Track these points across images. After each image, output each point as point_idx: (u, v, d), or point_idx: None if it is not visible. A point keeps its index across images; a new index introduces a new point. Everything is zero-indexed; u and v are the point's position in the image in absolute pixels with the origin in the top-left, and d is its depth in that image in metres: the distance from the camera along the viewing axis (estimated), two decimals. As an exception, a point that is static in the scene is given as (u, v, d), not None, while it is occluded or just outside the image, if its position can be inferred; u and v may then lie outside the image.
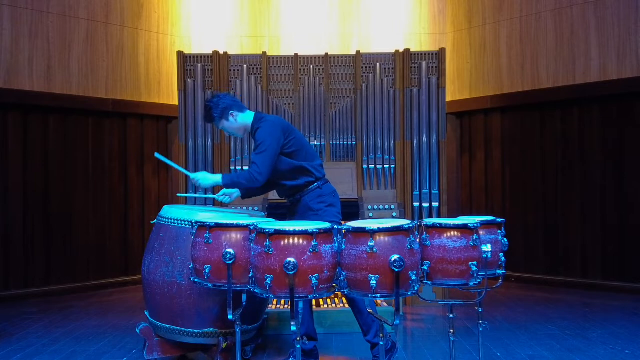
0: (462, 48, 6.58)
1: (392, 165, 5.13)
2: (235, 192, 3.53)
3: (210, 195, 3.85)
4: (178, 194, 4.08)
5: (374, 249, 2.34)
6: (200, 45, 6.48)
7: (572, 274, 5.85)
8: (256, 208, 4.95)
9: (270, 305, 4.23)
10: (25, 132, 5.61)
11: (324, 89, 5.22)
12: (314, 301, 3.93)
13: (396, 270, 2.31)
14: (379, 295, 2.36)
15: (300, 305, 2.60)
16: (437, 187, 5.11)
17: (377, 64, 5.22)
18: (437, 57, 5.24)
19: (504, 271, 2.90)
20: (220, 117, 3.37)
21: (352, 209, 4.78)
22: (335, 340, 4.06)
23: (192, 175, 3.38)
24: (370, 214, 4.85)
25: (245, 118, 3.41)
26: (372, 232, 2.36)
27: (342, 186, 4.86)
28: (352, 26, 6.53)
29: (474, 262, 2.55)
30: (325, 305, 4.34)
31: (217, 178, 3.29)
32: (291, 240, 2.39)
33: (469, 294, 4.32)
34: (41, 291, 5.61)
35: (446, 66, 5.30)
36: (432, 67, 5.23)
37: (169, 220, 3.28)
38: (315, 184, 3.36)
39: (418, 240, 2.52)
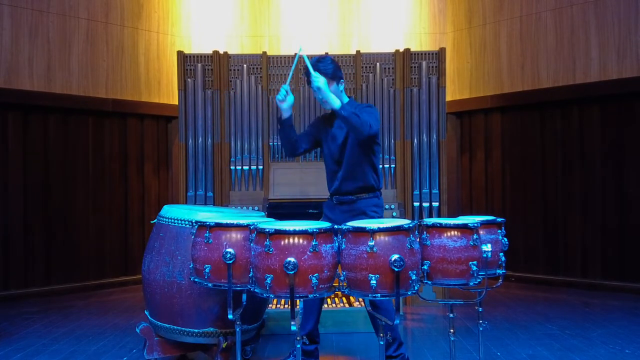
0: (462, 48, 6.58)
1: (392, 165, 5.13)
2: (288, 110, 3.26)
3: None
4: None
5: (374, 249, 2.34)
6: (200, 45, 6.48)
7: (572, 274, 5.85)
8: (256, 208, 4.95)
9: (270, 305, 4.23)
10: (25, 132, 5.61)
11: (324, 89, 5.21)
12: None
13: (396, 270, 2.31)
14: (379, 295, 2.35)
15: (301, 305, 2.60)
16: (437, 187, 5.11)
17: (377, 63, 5.22)
18: (437, 57, 5.24)
19: (504, 271, 2.90)
20: (333, 77, 3.21)
21: (352, 209, 4.77)
22: (335, 340, 4.06)
23: (314, 74, 3.11)
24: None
25: (343, 96, 3.30)
26: (372, 232, 2.36)
27: (342, 186, 4.85)
28: (352, 26, 6.53)
29: (474, 262, 2.54)
30: (326, 305, 4.33)
31: (336, 102, 3.04)
32: (291, 240, 2.39)
33: (469, 293, 4.31)
34: (41, 291, 5.61)
35: (446, 66, 5.30)
36: (432, 66, 5.23)
37: (169, 220, 3.28)
38: (377, 192, 3.29)
39: (418, 239, 2.52)
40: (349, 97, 3.36)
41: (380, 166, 3.33)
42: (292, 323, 2.43)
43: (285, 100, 3.25)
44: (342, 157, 3.25)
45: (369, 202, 3.25)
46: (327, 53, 5.30)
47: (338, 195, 3.29)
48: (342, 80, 3.28)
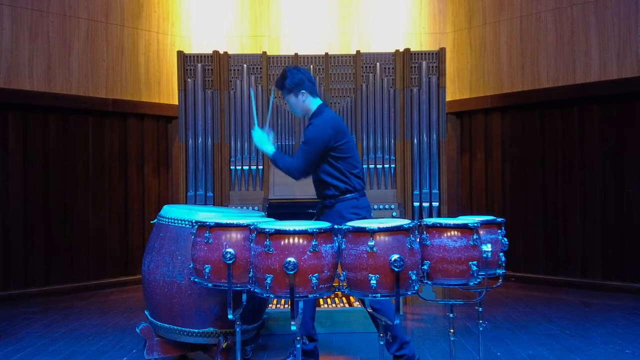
0: (462, 48, 6.58)
1: (392, 165, 5.13)
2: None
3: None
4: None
5: (374, 249, 2.34)
6: (200, 45, 6.48)
7: (572, 274, 5.85)
8: (256, 208, 4.95)
9: (270, 305, 4.23)
10: (25, 132, 5.61)
11: (324, 89, 5.22)
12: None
13: (396, 269, 2.31)
14: (379, 295, 2.35)
15: (301, 305, 2.60)
16: (437, 187, 5.11)
17: (377, 63, 5.22)
18: (437, 57, 5.24)
19: (504, 271, 2.90)
20: (290, 90, 3.33)
21: (352, 209, 4.77)
22: (335, 340, 4.06)
23: (255, 129, 3.42)
24: (371, 214, 4.85)
25: (311, 103, 3.37)
26: (372, 232, 2.36)
27: (342, 186, 4.85)
28: (352, 26, 6.53)
29: (474, 262, 2.54)
30: (325, 305, 4.33)
31: (270, 149, 3.35)
32: (291, 240, 2.39)
33: (469, 293, 4.32)
34: (41, 291, 5.61)
35: (446, 66, 5.30)
36: (432, 66, 5.23)
37: (169, 220, 3.28)
38: (354, 194, 3.30)
39: (418, 239, 2.52)
40: (322, 100, 3.49)
41: (358, 169, 3.37)
42: (292, 323, 2.44)
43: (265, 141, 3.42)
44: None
45: (347, 205, 3.28)
46: (327, 53, 5.31)
47: (321, 199, 3.38)
48: (302, 91, 3.31)
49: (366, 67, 5.24)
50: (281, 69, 5.21)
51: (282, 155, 3.37)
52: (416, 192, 5.12)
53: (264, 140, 3.38)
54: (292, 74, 3.32)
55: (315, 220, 3.41)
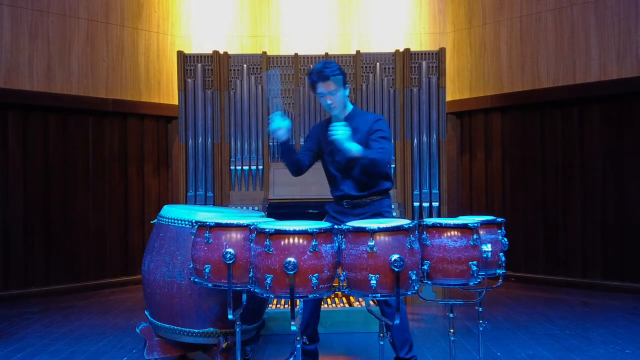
0: (462, 48, 6.58)
1: (392, 165, 5.13)
2: (286, 134, 3.11)
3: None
4: None
5: (374, 249, 2.34)
6: (200, 45, 6.48)
7: (572, 274, 5.85)
8: (256, 208, 4.95)
9: (270, 305, 4.23)
10: (25, 132, 5.61)
11: (324, 89, 5.20)
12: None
13: (396, 270, 2.31)
14: (379, 295, 2.35)
15: (301, 305, 2.60)
16: (437, 187, 5.11)
17: (377, 63, 5.22)
18: (437, 57, 5.24)
19: (504, 271, 2.90)
20: (344, 82, 3.12)
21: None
22: (335, 340, 4.06)
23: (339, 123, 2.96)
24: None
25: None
26: (372, 232, 2.36)
27: (342, 186, 4.84)
28: (352, 26, 6.53)
29: (474, 262, 2.54)
30: (326, 305, 4.33)
31: (357, 146, 2.95)
32: (291, 240, 2.39)
33: (469, 293, 4.32)
34: (41, 291, 5.61)
35: (446, 66, 5.30)
36: (432, 66, 5.23)
37: (169, 220, 3.28)
38: (388, 193, 3.27)
39: (418, 239, 2.52)
40: (352, 104, 3.29)
41: (393, 165, 3.32)
42: (292, 323, 2.43)
43: (282, 128, 3.09)
44: (351, 164, 3.10)
45: (384, 203, 3.23)
46: (327, 53, 5.31)
47: (350, 200, 3.20)
48: (347, 85, 3.18)
49: (366, 67, 5.24)
50: (281, 69, 5.24)
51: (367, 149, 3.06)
52: (416, 192, 5.12)
53: (348, 134, 2.92)
54: (339, 65, 3.12)
55: (328, 219, 3.30)
